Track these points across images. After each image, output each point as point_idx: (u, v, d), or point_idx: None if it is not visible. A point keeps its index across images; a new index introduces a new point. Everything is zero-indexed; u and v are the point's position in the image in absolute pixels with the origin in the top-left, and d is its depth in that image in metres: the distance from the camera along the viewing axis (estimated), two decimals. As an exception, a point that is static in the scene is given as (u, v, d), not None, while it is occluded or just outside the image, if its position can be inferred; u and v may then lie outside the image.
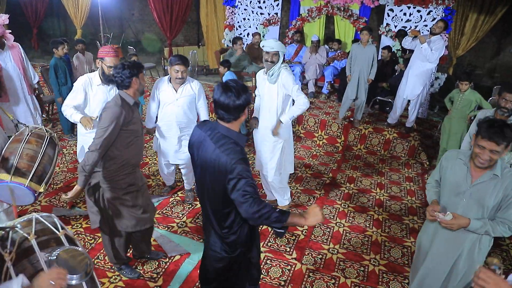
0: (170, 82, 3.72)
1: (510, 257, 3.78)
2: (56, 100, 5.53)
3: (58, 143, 2.87)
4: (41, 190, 2.54)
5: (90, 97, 3.41)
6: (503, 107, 3.34)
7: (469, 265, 2.44)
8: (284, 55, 3.63)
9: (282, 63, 3.59)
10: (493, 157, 2.13)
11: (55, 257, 1.65)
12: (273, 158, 3.84)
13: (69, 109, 3.33)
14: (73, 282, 1.61)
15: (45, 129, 2.79)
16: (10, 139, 2.64)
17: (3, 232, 1.74)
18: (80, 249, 1.80)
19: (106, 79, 3.34)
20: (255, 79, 3.96)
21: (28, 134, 2.63)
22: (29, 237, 1.72)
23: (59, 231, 1.84)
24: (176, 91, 3.71)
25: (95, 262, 3.25)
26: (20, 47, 4.41)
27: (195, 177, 2.25)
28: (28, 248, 1.71)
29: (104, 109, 2.59)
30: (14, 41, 4.35)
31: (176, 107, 3.73)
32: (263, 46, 3.55)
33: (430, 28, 5.61)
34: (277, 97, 3.65)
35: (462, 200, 2.32)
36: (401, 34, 6.70)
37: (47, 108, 6.43)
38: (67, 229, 1.92)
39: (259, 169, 4.07)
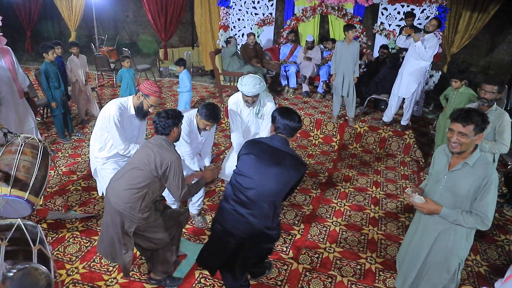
0: (197, 126, 3.46)
1: (505, 252, 3.80)
2: (50, 105, 5.49)
3: (51, 153, 2.86)
4: (39, 202, 2.53)
5: (123, 125, 3.24)
6: (483, 97, 3.48)
7: (444, 257, 2.47)
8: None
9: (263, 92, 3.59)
10: (461, 139, 2.22)
11: (12, 274, 1.61)
12: None
13: (131, 149, 3.25)
14: None
15: (38, 139, 2.77)
16: (2, 150, 2.60)
17: None
18: (43, 269, 1.73)
19: (141, 115, 3.27)
20: (233, 111, 3.69)
21: (22, 145, 2.60)
22: (1, 243, 1.70)
23: (34, 245, 1.80)
24: (200, 134, 3.55)
25: (91, 265, 3.24)
26: (10, 50, 4.37)
27: (244, 183, 2.44)
28: None
29: (160, 155, 2.57)
30: (6, 44, 4.32)
31: (198, 146, 3.67)
32: (242, 91, 3.43)
33: (423, 26, 5.64)
34: (266, 126, 3.68)
35: (439, 187, 2.42)
36: (411, 14, 6.64)
37: (41, 111, 6.41)
38: (46, 245, 1.87)
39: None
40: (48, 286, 1.66)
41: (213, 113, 3.21)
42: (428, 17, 6.90)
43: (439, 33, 6.79)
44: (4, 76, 4.25)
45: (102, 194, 3.66)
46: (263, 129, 3.71)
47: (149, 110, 3.23)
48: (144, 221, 2.66)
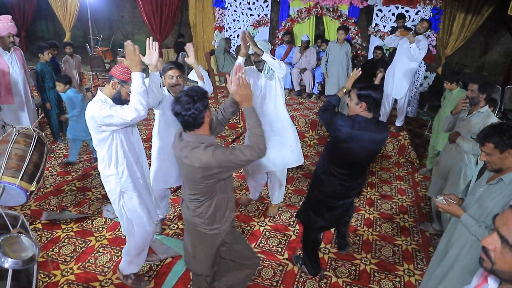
0: (169, 92, 3.24)
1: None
2: (45, 106, 5.47)
3: (47, 141, 2.87)
4: (32, 188, 2.53)
5: None
6: (467, 95, 3.53)
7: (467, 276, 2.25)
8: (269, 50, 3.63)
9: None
10: (488, 158, 2.14)
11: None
12: (293, 142, 3.90)
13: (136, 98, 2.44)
14: (6, 266, 1.78)
15: (33, 129, 2.79)
16: None
17: None
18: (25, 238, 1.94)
19: (119, 103, 2.61)
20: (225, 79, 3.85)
21: (15, 134, 2.63)
22: None
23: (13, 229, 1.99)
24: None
25: (86, 266, 3.23)
26: (21, 50, 4.42)
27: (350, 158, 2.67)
28: None
29: (207, 163, 2.02)
30: None
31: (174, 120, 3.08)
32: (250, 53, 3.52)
33: (414, 27, 5.69)
34: (280, 88, 3.74)
35: (473, 199, 2.28)
36: (402, 16, 6.59)
37: (37, 111, 6.37)
38: (29, 232, 2.03)
39: (262, 171, 4.05)
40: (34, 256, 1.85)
41: (172, 61, 3.23)
42: (422, 19, 6.94)
43: (433, 35, 6.85)
44: (19, 75, 4.38)
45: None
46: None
47: (128, 98, 2.55)
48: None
